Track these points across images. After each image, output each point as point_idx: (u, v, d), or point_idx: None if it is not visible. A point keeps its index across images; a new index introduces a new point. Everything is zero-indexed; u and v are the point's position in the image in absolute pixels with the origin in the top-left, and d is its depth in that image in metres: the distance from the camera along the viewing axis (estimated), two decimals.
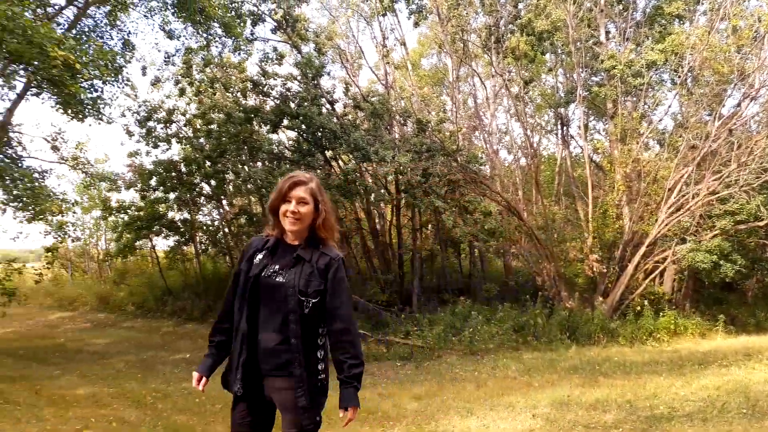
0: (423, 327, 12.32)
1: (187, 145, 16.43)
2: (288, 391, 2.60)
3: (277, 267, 2.66)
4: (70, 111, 9.59)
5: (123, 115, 16.67)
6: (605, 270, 12.53)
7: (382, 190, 15.54)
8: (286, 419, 2.64)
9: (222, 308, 2.77)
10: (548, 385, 7.41)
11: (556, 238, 13.69)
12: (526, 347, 10.67)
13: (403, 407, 6.69)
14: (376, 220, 17.17)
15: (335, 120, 14.47)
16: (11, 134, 9.61)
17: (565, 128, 17.65)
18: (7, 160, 8.77)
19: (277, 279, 2.63)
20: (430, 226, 17.24)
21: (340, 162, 16.50)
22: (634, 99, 14.47)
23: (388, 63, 17.55)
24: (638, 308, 12.07)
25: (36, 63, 7.20)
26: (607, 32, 14.96)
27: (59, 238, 10.03)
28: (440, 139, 14.41)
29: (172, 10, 11.35)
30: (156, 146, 16.28)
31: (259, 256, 2.71)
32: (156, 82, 15.96)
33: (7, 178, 8.28)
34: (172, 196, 16.87)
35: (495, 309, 12.84)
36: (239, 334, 2.63)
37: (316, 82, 14.57)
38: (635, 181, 13.31)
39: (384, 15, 16.71)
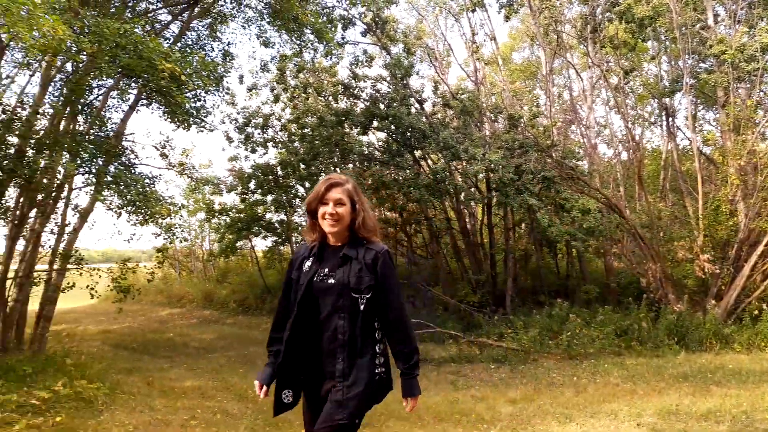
0: (517, 329, 11.96)
1: (283, 149, 17.05)
2: (331, 383, 2.65)
3: (326, 270, 2.71)
4: (176, 120, 10.21)
5: (223, 122, 17.70)
6: (718, 271, 11.53)
7: (473, 189, 15.28)
8: (324, 410, 2.65)
9: (276, 317, 2.85)
10: (654, 393, 6.92)
11: (662, 237, 12.80)
12: (629, 352, 10.05)
13: (498, 410, 6.51)
14: (467, 220, 16.92)
15: (424, 119, 14.42)
16: (124, 143, 10.37)
17: (670, 119, 16.49)
18: (121, 167, 9.44)
19: (329, 281, 2.68)
20: (523, 225, 16.74)
21: (429, 161, 16.43)
22: (748, 86, 13.24)
23: (478, 59, 17.26)
24: (756, 312, 10.99)
25: (146, 76, 7.70)
26: (716, 15, 13.81)
27: (168, 240, 10.67)
28: (533, 134, 13.95)
29: (268, 20, 11.79)
30: (254, 151, 17.03)
31: (308, 263, 2.78)
32: (252, 89, 16.68)
33: (121, 183, 8.90)
34: (269, 198, 17.60)
35: (595, 312, 12.22)
36: (297, 340, 2.71)
37: (405, 82, 14.60)
38: (751, 174, 12.16)
39: (473, 11, 16.45)
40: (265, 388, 2.75)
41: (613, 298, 13.73)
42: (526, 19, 18.28)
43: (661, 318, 10.90)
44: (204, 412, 6.94)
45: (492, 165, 12.98)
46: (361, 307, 2.66)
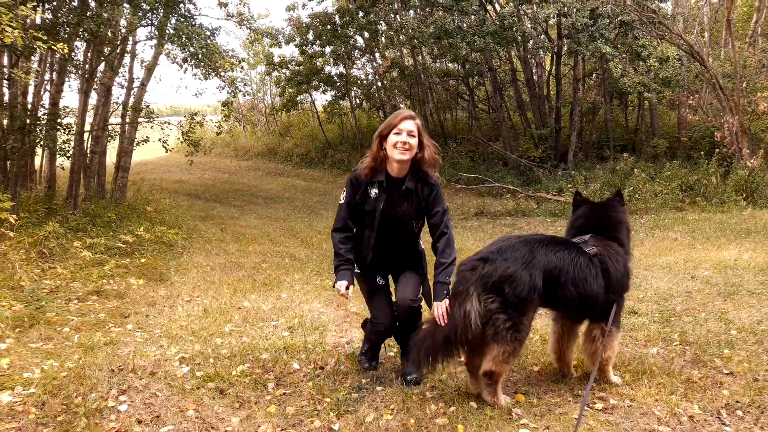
0: (578, 184, 11.83)
1: None
2: (412, 265, 3.27)
3: (392, 200, 3.09)
4: None
5: None
6: None
7: (542, 36, 14.29)
8: (408, 273, 3.26)
9: (342, 228, 3.16)
10: (713, 248, 6.85)
11: (744, 88, 11.80)
12: (692, 208, 9.81)
13: None
14: (533, 70, 16.06)
15: None
16: None
17: None
18: (181, 20, 9.32)
19: (396, 209, 3.09)
20: (594, 75, 15.76)
21: (496, 5, 15.32)
22: None
23: None
24: None
25: None
26: None
27: (232, 93, 10.80)
28: None
29: None
30: None
31: (374, 191, 3.10)
32: None
33: (183, 36, 8.85)
34: (328, 50, 17.18)
35: (661, 167, 11.82)
36: (363, 262, 3.18)
37: None
38: None
39: None
40: (351, 288, 3.07)
41: (682, 153, 13.15)
42: None
43: (731, 174, 10.44)
44: (273, 256, 7.50)
45: (565, 8, 11.99)
46: (416, 230, 3.22)
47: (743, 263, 5.86)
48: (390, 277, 3.35)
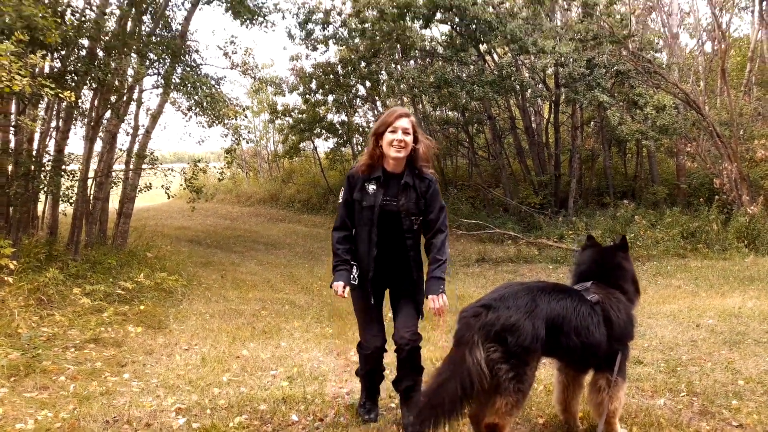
0: (579, 231, 11.83)
1: (344, 47, 16.66)
2: (409, 290, 3.20)
3: (390, 195, 3.10)
4: (240, 15, 10.10)
5: (284, 17, 17.25)
6: None
7: (540, 85, 14.59)
8: (398, 292, 3.24)
9: (340, 229, 3.18)
10: (717, 296, 6.80)
11: (742, 135, 11.96)
12: (694, 255, 9.79)
13: None
14: (532, 118, 16.32)
15: (491, 9, 13.57)
16: (189, 43, 10.40)
17: (764, 3, 14.82)
18: (187, 69, 9.54)
19: (393, 203, 3.09)
20: (592, 123, 16.00)
21: (494, 56, 15.68)
22: None
23: None
24: None
25: None
26: None
27: (235, 141, 10.94)
28: (609, 24, 12.94)
29: None
30: (315, 49, 16.72)
31: (372, 186, 3.10)
32: None
33: (188, 84, 9.03)
34: (330, 98, 17.50)
35: (662, 213, 11.85)
36: (367, 256, 3.12)
37: None
38: None
39: None
40: (347, 288, 3.08)
41: (682, 200, 13.21)
42: None
43: (732, 220, 10.46)
44: (273, 303, 7.43)
45: (562, 58, 12.26)
46: (415, 227, 3.14)
47: (748, 311, 5.80)
48: (386, 293, 3.30)
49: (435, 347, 4.70)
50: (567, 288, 2.99)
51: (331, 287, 3.11)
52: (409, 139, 3.04)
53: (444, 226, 3.14)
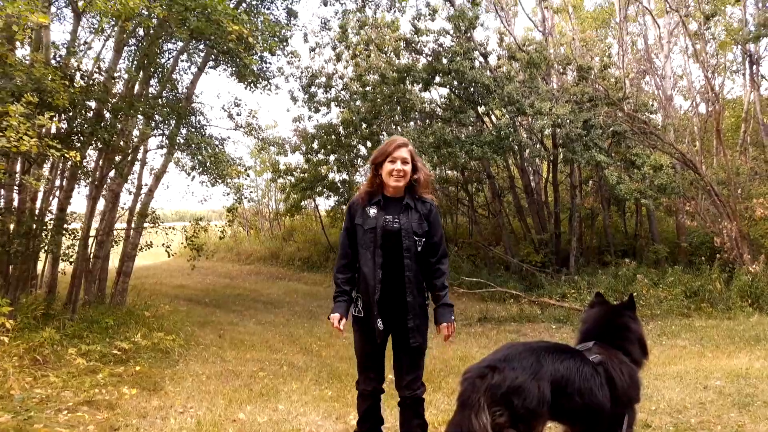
0: (581, 289, 11.74)
1: (345, 109, 17.09)
2: (402, 315, 3.11)
3: (391, 216, 3.13)
4: (244, 80, 10.40)
5: (287, 81, 17.80)
6: None
7: (538, 145, 14.84)
8: (399, 338, 3.16)
9: (341, 257, 3.21)
10: (723, 356, 6.67)
11: (740, 194, 12.07)
12: (698, 314, 9.68)
13: None
14: (531, 177, 16.51)
15: (488, 73, 14.00)
16: (195, 105, 10.68)
17: (754, 67, 15.30)
18: (192, 130, 9.73)
19: (394, 225, 3.11)
20: (590, 182, 16.18)
21: (492, 117, 16.02)
22: None
23: (547, 7, 16.46)
24: None
25: (214, 38, 7.85)
26: None
27: (237, 199, 11.05)
28: (604, 86, 13.30)
29: None
30: (317, 111, 17.17)
31: (372, 210, 3.14)
32: (315, 48, 16.71)
33: (193, 145, 9.20)
34: (332, 158, 17.78)
35: (664, 272, 11.79)
36: (372, 279, 3.08)
37: (468, 34, 14.17)
38: None
39: None
40: (344, 320, 3.09)
41: (683, 259, 13.18)
42: None
43: (734, 279, 10.40)
44: (271, 364, 7.28)
45: (559, 119, 12.52)
46: (419, 248, 3.13)
47: (755, 372, 5.68)
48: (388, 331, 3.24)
49: (437, 410, 4.58)
50: (569, 348, 2.94)
51: (328, 318, 3.10)
52: (408, 168, 3.12)
53: (446, 252, 3.24)
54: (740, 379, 5.45)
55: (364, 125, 16.07)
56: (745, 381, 5.39)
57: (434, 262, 3.16)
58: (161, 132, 9.40)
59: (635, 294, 10.77)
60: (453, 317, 3.10)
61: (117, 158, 9.11)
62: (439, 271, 3.15)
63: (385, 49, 15.72)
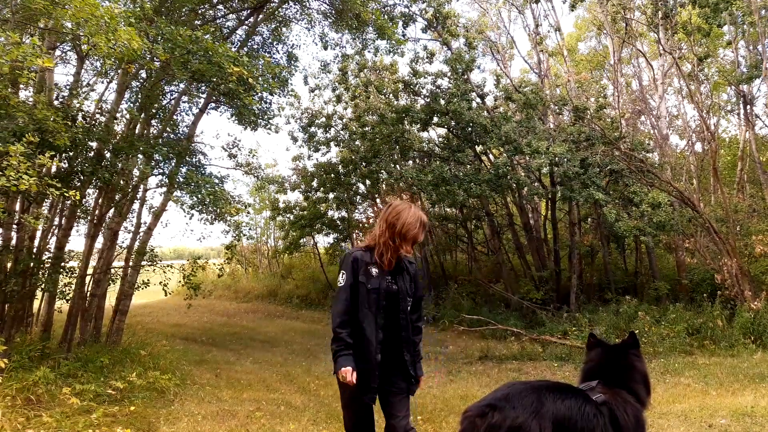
0: (582, 327, 11.64)
1: (344, 148, 17.29)
2: (401, 370, 3.24)
3: (390, 277, 3.24)
4: (244, 121, 10.53)
5: (288, 123, 18.10)
6: None
7: (536, 184, 14.95)
8: (397, 389, 3.23)
9: (344, 313, 3.13)
10: (728, 394, 6.57)
11: (739, 231, 12.09)
12: (701, 352, 9.57)
13: None
14: (530, 215, 16.58)
15: (485, 114, 14.22)
16: (195, 145, 10.79)
17: (748, 107, 15.56)
18: (192, 169, 9.80)
19: (394, 287, 3.23)
20: (589, 220, 16.23)
21: (490, 156, 16.18)
22: None
23: (542, 51, 16.85)
24: None
25: (215, 80, 7.99)
26: None
27: (236, 237, 11.03)
28: (600, 126, 13.48)
29: (331, 20, 11.94)
30: (317, 150, 17.37)
31: (374, 270, 3.19)
32: (315, 89, 17.01)
33: (192, 184, 9.25)
34: (331, 196, 17.88)
35: (665, 309, 11.70)
36: (374, 340, 3.12)
37: (465, 76, 14.45)
38: None
39: (537, 1, 16.07)
40: (355, 373, 3.05)
41: (684, 296, 13.09)
42: (592, 7, 17.68)
43: (736, 316, 10.31)
44: (268, 403, 7.15)
45: (556, 158, 12.64)
46: (408, 307, 3.28)
47: (761, 410, 5.58)
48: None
49: None
50: (571, 387, 2.90)
51: (335, 374, 3.03)
52: None
53: (422, 305, 3.46)
54: (746, 418, 5.36)
55: (363, 164, 16.23)
56: (751, 419, 5.30)
57: (415, 320, 3.35)
58: (161, 171, 9.46)
59: (637, 331, 10.65)
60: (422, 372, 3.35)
61: (117, 197, 9.14)
62: (418, 329, 3.36)
63: (384, 91, 16.00)
